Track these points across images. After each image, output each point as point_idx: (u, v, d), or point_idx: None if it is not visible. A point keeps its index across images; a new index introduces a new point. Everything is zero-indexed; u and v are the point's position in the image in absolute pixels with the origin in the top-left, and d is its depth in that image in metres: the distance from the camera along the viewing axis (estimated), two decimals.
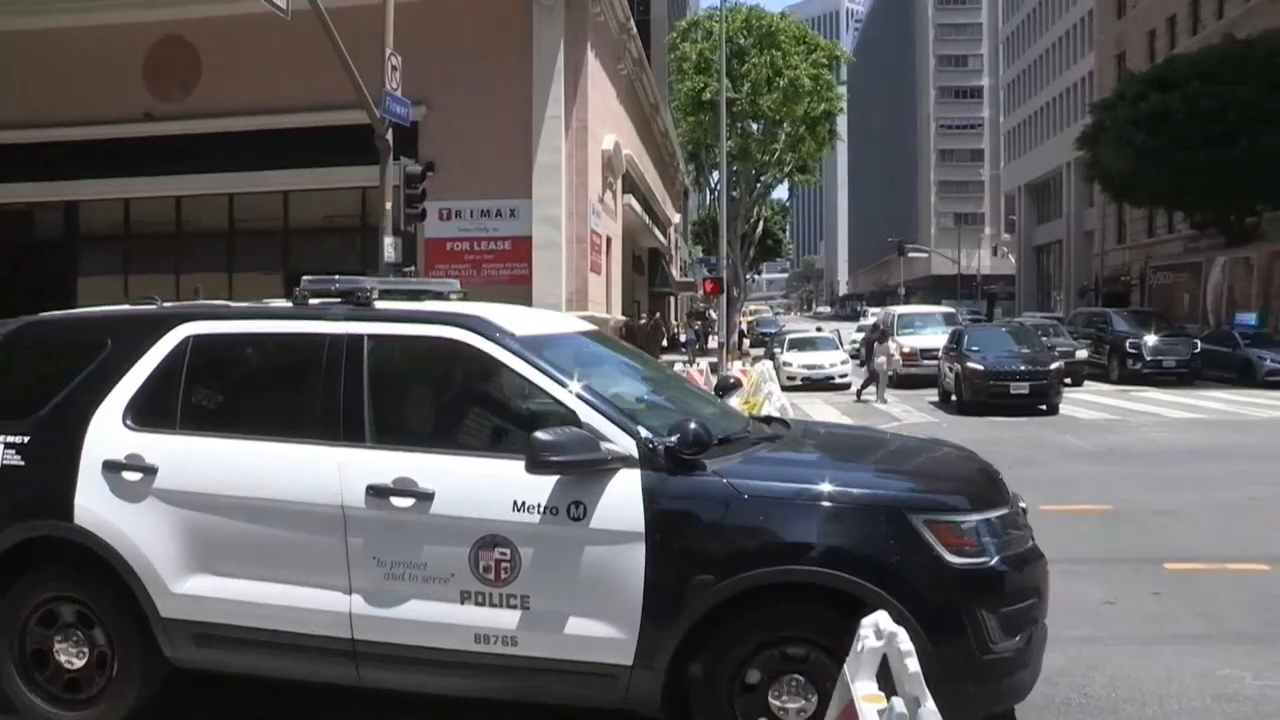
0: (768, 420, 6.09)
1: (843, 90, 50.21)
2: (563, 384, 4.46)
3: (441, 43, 20.88)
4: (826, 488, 4.32)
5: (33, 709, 4.76)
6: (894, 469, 5.04)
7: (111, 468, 4.71)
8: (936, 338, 26.86)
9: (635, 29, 29.00)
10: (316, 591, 4.46)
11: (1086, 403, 22.26)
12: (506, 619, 4.26)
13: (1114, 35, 58.28)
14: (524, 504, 4.23)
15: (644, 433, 4.33)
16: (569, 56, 21.87)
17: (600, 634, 4.20)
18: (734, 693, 4.17)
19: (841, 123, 52.69)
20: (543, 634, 4.25)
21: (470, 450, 4.59)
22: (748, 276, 57.14)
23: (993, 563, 4.22)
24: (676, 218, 54.70)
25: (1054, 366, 21.25)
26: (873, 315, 49.95)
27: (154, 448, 4.70)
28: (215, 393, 5.09)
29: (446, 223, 21.74)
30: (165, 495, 4.64)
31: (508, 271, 21.76)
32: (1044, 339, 25.77)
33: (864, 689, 3.02)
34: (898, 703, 2.75)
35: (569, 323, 5.98)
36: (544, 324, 5.39)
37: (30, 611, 4.80)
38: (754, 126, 46.19)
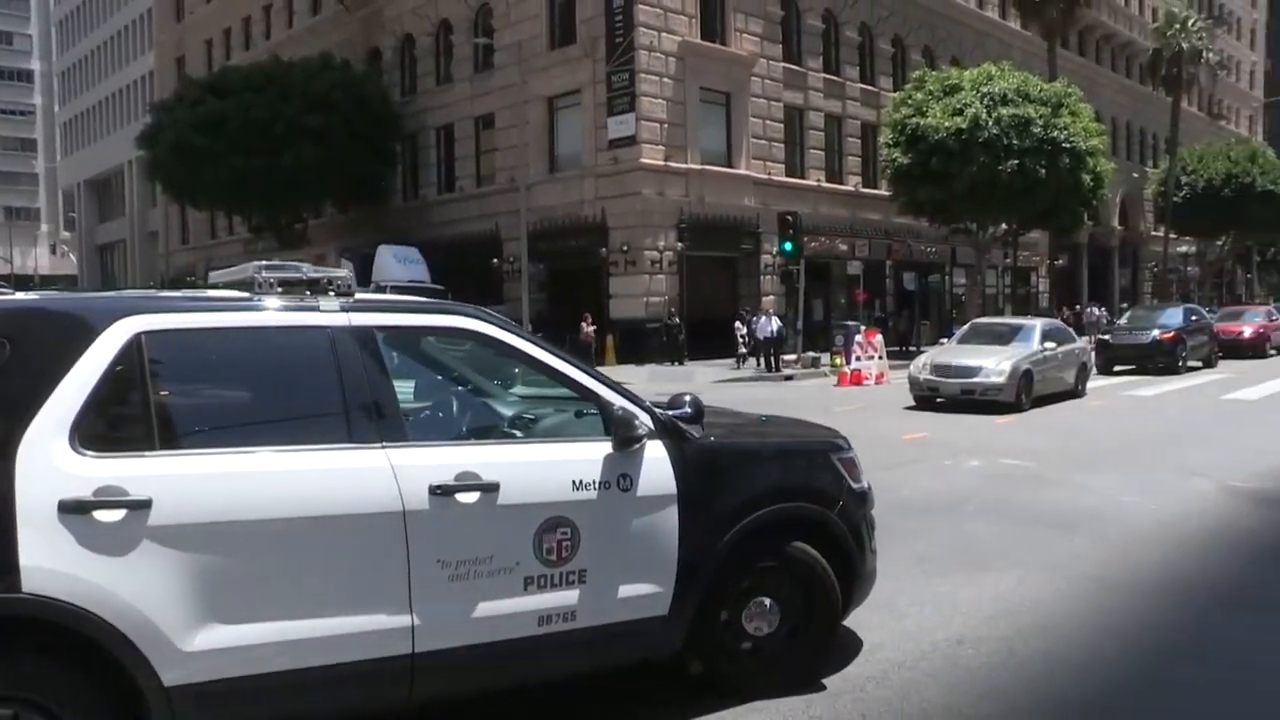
0: None
1: None
2: (579, 368, 4.66)
3: None
4: (782, 442, 5.43)
5: None
6: (795, 430, 5.97)
7: (74, 509, 3.49)
8: None
9: None
10: (370, 609, 3.93)
11: None
12: (567, 596, 4.31)
13: (174, 38, 59.19)
14: (582, 482, 4.34)
15: (656, 409, 4.72)
16: None
17: (643, 591, 4.47)
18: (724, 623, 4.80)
19: None
20: (597, 603, 4.37)
21: (518, 438, 4.77)
22: None
23: (866, 485, 5.41)
24: None
25: None
26: None
27: (136, 476, 3.61)
28: (195, 400, 4.11)
29: None
30: (165, 533, 3.60)
31: None
32: None
33: None
34: None
35: None
36: None
37: None
38: None
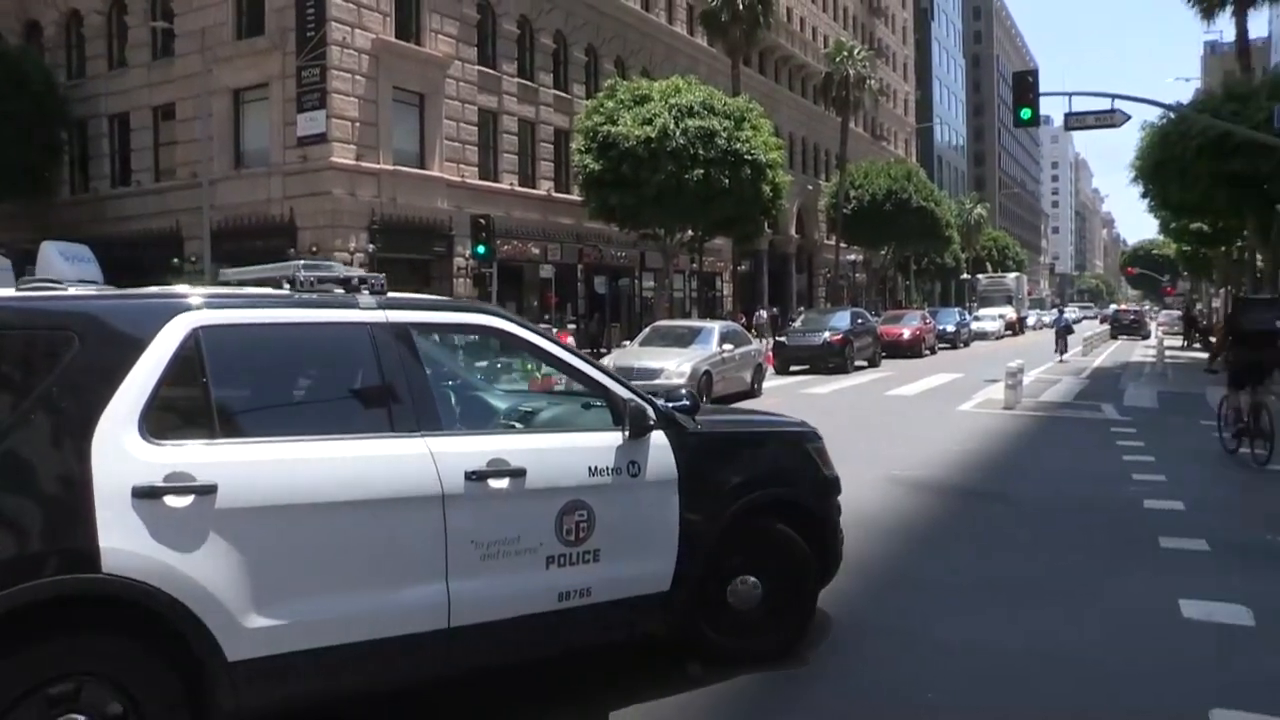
0: None
1: None
2: (591, 364, 5.12)
3: None
4: (765, 431, 5.99)
5: None
6: (773, 421, 6.43)
7: (148, 494, 3.71)
8: None
9: None
10: (412, 587, 4.24)
11: None
12: (583, 573, 4.67)
13: None
14: (597, 468, 4.75)
15: (657, 400, 5.16)
16: None
17: (649, 569, 4.91)
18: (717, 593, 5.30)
19: None
20: (609, 579, 4.75)
21: (539, 428, 5.24)
22: None
23: (835, 473, 5.95)
24: None
25: None
26: None
27: (202, 463, 3.86)
28: (250, 392, 4.33)
29: None
30: (229, 516, 3.85)
31: None
32: None
33: None
34: None
35: None
36: None
37: (13, 704, 3.41)
38: None
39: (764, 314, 46.07)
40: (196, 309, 4.07)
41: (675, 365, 18.45)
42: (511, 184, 37.92)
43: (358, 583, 4.10)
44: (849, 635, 5.93)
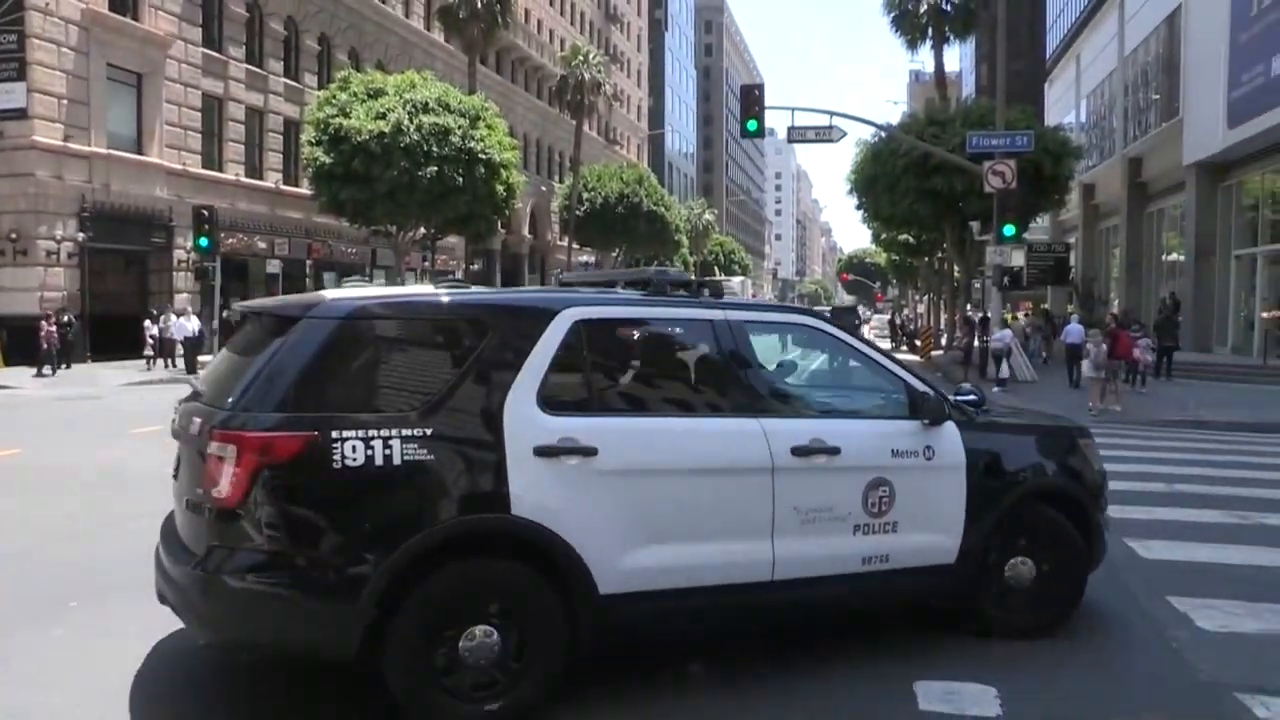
0: None
1: None
2: (895, 361, 5.82)
3: None
4: (1044, 425, 6.46)
5: (447, 712, 4.41)
6: (1051, 418, 6.93)
7: (545, 454, 4.58)
8: None
9: None
10: (744, 543, 4.99)
11: None
12: (884, 542, 5.33)
13: None
14: (899, 450, 5.42)
15: (949, 395, 5.84)
16: None
17: (939, 543, 5.51)
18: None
19: None
20: (905, 549, 5.39)
21: (847, 414, 5.91)
22: None
23: (1103, 467, 6.39)
24: None
25: None
26: None
27: (585, 431, 4.69)
28: (617, 374, 5.26)
29: None
30: (606, 475, 4.67)
31: None
32: None
33: None
34: None
35: None
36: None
37: (441, 612, 4.40)
38: None
39: None
40: (578, 305, 4.92)
41: None
42: (237, 175, 36.53)
43: (703, 537, 4.88)
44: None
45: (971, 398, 6.13)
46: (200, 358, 27.53)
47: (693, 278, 5.72)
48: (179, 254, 32.93)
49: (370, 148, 31.48)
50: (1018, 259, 27.09)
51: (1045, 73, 56.27)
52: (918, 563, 5.46)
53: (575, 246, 61.47)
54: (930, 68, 51.61)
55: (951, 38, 44.57)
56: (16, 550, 7.81)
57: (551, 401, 4.66)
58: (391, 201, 32.63)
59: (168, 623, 4.98)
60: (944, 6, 42.10)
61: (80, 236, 28.96)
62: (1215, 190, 31.28)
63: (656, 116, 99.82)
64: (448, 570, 4.39)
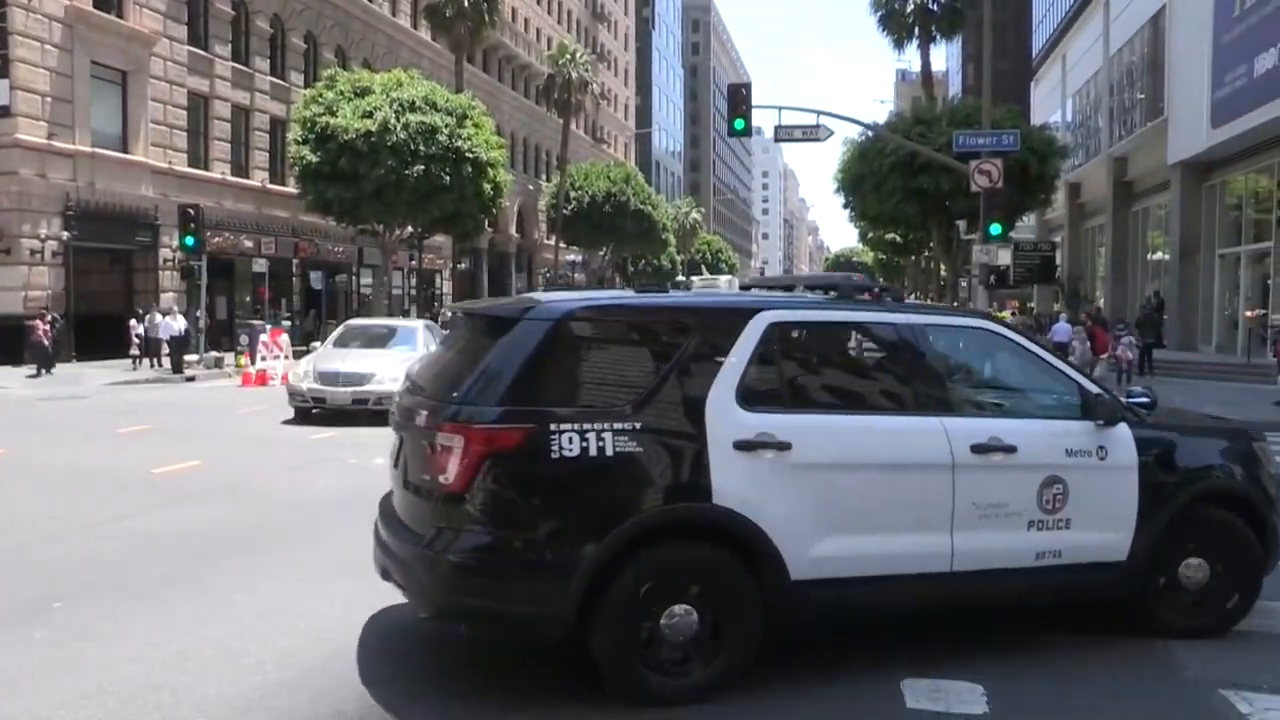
0: None
1: None
2: (1068, 364, 5.97)
3: None
4: (1215, 427, 6.61)
5: (647, 684, 4.73)
6: (1218, 418, 7.35)
7: (744, 448, 4.83)
8: None
9: None
10: (925, 535, 5.18)
11: None
12: (1057, 538, 5.43)
13: None
14: (1073, 450, 5.50)
15: (1121, 398, 5.93)
16: None
17: (1111, 541, 5.56)
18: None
19: None
20: (1077, 546, 5.47)
21: (1027, 415, 5.80)
22: None
23: (1277, 469, 6.29)
24: None
25: None
26: None
27: (780, 426, 4.91)
28: (807, 374, 5.50)
29: None
30: (799, 469, 4.90)
31: None
32: None
33: None
34: None
35: None
36: None
37: (646, 592, 4.69)
38: None
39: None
40: (773, 309, 5.20)
41: (388, 369, 16.35)
42: (224, 173, 36.38)
43: (889, 529, 5.10)
44: None
45: (1144, 400, 6.21)
46: (186, 357, 27.40)
47: (879, 285, 6.35)
48: (164, 253, 32.77)
49: (357, 146, 31.46)
50: (1004, 258, 27.12)
51: (1031, 72, 56.48)
52: (1089, 559, 5.55)
53: (562, 245, 61.50)
54: (917, 67, 51.89)
55: (938, 37, 44.72)
56: (0, 550, 7.77)
57: (749, 398, 4.93)
58: (378, 200, 32.61)
59: (153, 620, 4.97)
60: (931, 6, 42.25)
61: (65, 235, 28.80)
62: (1199, 189, 31.41)
63: (644, 115, 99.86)
64: (654, 554, 4.69)
